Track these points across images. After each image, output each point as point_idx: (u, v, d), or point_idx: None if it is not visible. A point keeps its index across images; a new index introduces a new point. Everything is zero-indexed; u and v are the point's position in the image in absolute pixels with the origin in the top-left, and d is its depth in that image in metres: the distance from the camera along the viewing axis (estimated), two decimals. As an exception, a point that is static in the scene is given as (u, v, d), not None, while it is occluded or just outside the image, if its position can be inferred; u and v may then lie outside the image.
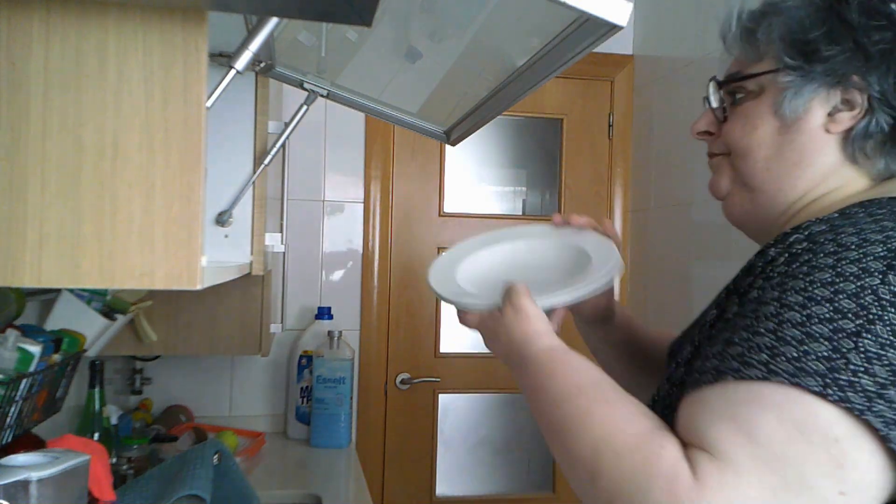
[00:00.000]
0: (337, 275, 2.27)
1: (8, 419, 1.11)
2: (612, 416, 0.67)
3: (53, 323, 1.39)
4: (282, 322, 2.10)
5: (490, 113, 1.02)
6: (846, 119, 0.74)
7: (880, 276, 0.60)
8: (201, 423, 2.00)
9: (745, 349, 0.62)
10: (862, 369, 0.58)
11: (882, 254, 0.62)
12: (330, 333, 2.04)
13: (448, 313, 2.38)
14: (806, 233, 0.68)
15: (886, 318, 0.59)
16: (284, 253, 2.17)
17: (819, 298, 0.61)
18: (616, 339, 1.05)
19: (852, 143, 0.74)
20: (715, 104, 0.84)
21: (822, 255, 0.63)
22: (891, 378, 0.58)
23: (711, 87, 0.83)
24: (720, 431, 0.61)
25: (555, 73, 0.81)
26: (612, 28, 0.59)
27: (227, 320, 1.65)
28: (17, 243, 0.49)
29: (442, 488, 2.36)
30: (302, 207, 2.24)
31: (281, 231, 2.09)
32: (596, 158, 2.46)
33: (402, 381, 2.33)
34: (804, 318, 0.61)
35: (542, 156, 2.54)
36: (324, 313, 2.14)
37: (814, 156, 0.76)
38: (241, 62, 0.75)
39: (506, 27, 0.87)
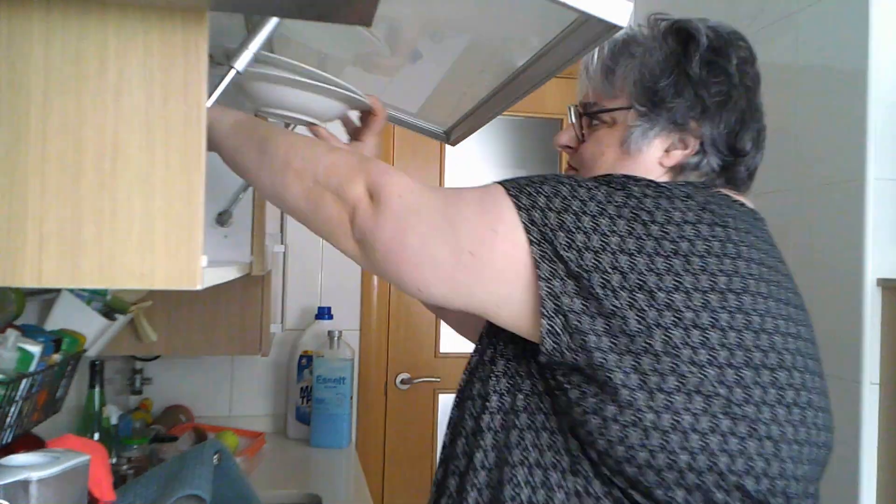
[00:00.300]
0: (337, 275, 2.27)
1: (8, 419, 1.11)
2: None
3: (53, 323, 1.39)
4: (282, 322, 2.10)
5: (490, 113, 1.02)
6: (679, 156, 0.83)
7: (600, 188, 0.72)
8: (201, 423, 2.00)
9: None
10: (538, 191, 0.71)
11: (604, 186, 0.72)
12: (330, 333, 2.04)
13: (448, 313, 2.37)
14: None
15: (594, 197, 0.70)
16: (284, 253, 2.17)
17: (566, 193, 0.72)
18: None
19: (679, 172, 0.84)
20: (573, 124, 0.92)
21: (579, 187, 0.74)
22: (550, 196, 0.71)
23: (570, 110, 0.92)
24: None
25: (555, 73, 0.81)
26: (612, 28, 0.59)
27: (227, 320, 1.65)
28: (17, 243, 0.49)
29: (442, 488, 2.36)
30: (302, 207, 2.23)
31: (281, 231, 2.10)
32: (596, 158, 2.46)
33: (402, 381, 2.33)
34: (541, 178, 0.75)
35: (542, 156, 2.54)
36: (324, 313, 2.14)
37: (637, 171, 0.85)
38: (241, 62, 0.75)
39: (506, 27, 0.87)
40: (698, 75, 0.81)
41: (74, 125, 0.50)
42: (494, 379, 0.80)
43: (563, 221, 0.69)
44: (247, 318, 1.66)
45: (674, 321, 0.65)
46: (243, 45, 0.75)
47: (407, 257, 0.74)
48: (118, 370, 2.04)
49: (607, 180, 0.72)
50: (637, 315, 0.65)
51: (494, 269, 0.71)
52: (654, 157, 0.84)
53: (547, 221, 0.69)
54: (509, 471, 0.75)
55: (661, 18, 0.86)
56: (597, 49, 0.87)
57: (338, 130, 1.09)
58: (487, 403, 0.79)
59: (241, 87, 0.90)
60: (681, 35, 0.83)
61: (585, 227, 0.68)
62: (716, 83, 0.81)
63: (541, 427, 0.75)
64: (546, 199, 0.70)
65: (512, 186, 0.73)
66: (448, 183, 2.38)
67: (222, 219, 1.21)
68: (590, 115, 0.88)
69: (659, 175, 0.84)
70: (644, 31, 0.86)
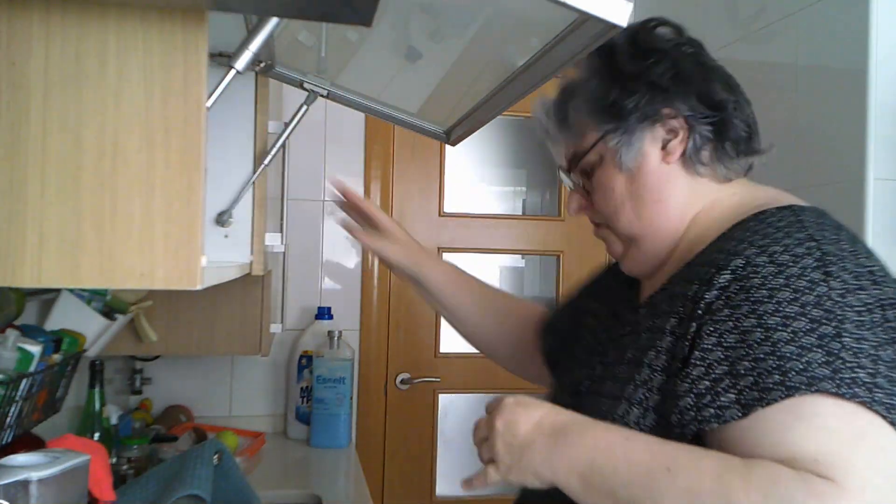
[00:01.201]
0: (337, 275, 2.27)
1: (8, 419, 1.11)
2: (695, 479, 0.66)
3: (53, 323, 1.39)
4: (282, 322, 2.10)
5: (490, 113, 1.02)
6: (677, 146, 0.84)
7: (825, 283, 0.68)
8: (201, 423, 2.00)
9: (756, 377, 0.67)
10: (855, 364, 0.64)
11: (815, 264, 0.70)
12: (330, 333, 2.04)
13: (448, 313, 2.37)
14: (737, 263, 0.73)
15: (848, 315, 0.67)
16: (284, 253, 2.17)
17: (794, 314, 0.67)
18: (438, 299, 1.20)
19: (691, 163, 0.84)
20: (573, 186, 0.92)
21: (770, 276, 0.70)
22: (874, 366, 0.64)
23: (562, 175, 0.93)
24: (791, 447, 0.64)
25: (555, 73, 0.81)
26: (612, 28, 0.59)
27: (227, 320, 1.65)
28: (17, 243, 0.49)
29: (442, 488, 2.36)
30: (302, 207, 2.24)
31: (281, 231, 2.09)
32: (596, 158, 2.46)
33: (402, 381, 2.33)
34: (791, 335, 0.66)
35: (542, 156, 2.53)
36: (324, 313, 2.14)
37: (667, 188, 0.85)
38: (241, 62, 0.75)
39: (506, 27, 0.87)
40: (633, 68, 0.83)
41: (74, 125, 0.50)
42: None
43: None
44: (247, 318, 1.66)
45: None
46: (243, 45, 0.75)
47: None
48: (118, 370, 2.04)
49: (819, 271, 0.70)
50: None
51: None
52: (655, 160, 0.84)
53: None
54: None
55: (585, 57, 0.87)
56: (542, 118, 0.91)
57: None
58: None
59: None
60: (599, 52, 0.83)
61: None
62: (655, 63, 0.83)
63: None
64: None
65: (829, 387, 0.64)
66: (448, 183, 2.38)
67: (222, 219, 1.21)
68: (577, 164, 0.89)
69: (675, 176, 0.84)
70: (570, 73, 0.89)
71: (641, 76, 0.82)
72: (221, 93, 0.76)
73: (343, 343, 2.04)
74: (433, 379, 2.35)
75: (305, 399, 2.09)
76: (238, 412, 2.15)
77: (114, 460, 1.48)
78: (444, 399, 2.38)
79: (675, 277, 0.82)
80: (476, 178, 2.48)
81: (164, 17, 0.51)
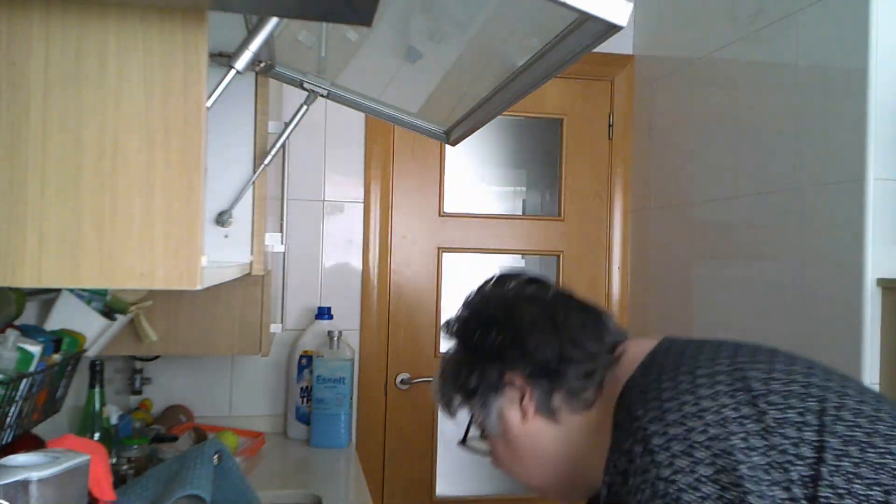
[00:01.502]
0: (337, 275, 2.27)
1: (8, 419, 1.11)
2: None
3: (53, 323, 1.39)
4: (282, 322, 2.10)
5: (490, 113, 1.02)
6: (528, 404, 0.87)
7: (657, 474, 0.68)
8: (201, 423, 2.00)
9: None
10: None
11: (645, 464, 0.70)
12: (330, 333, 2.04)
13: (448, 313, 2.37)
14: (620, 454, 0.74)
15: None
16: (284, 253, 2.17)
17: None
18: None
19: (547, 412, 0.86)
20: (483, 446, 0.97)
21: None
22: None
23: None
24: None
25: (555, 73, 0.81)
26: (612, 28, 0.59)
27: (227, 320, 1.65)
28: (17, 243, 0.49)
29: (442, 488, 2.36)
30: (302, 207, 2.24)
31: (281, 231, 2.09)
32: (596, 158, 2.46)
33: (402, 381, 2.33)
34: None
35: (542, 156, 2.54)
36: (324, 313, 2.14)
37: (539, 443, 0.88)
38: (241, 62, 0.75)
39: (506, 27, 0.87)
40: (477, 339, 0.89)
41: (74, 125, 0.50)
42: None
43: None
44: (247, 318, 1.66)
45: None
46: (243, 45, 0.75)
47: None
48: (118, 370, 2.04)
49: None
50: None
51: None
52: (517, 424, 0.88)
53: None
54: None
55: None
56: (434, 393, 0.97)
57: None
58: None
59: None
60: (460, 330, 0.94)
61: None
62: (482, 335, 0.88)
63: None
64: None
65: None
66: (448, 182, 2.38)
67: (222, 219, 1.21)
68: (472, 433, 0.95)
69: (540, 430, 0.87)
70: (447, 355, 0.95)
71: (480, 348, 0.88)
72: (221, 93, 0.76)
73: (343, 343, 2.05)
74: (433, 379, 2.35)
75: (305, 399, 2.09)
76: (238, 412, 2.15)
77: (114, 460, 1.48)
78: (444, 399, 2.38)
79: None
80: (476, 178, 2.48)
81: (164, 17, 0.51)
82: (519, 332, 0.87)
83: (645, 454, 0.69)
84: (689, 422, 0.68)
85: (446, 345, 0.98)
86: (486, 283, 0.98)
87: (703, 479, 0.65)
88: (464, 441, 0.97)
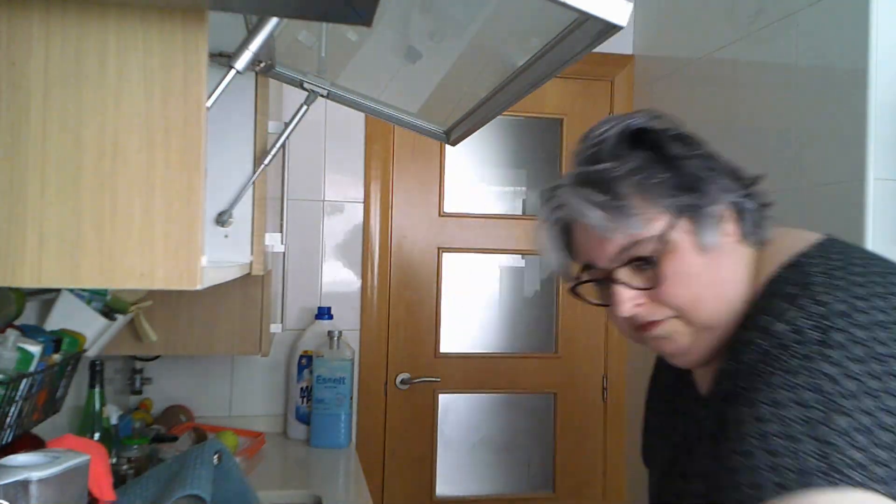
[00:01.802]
0: (337, 275, 2.27)
1: (8, 419, 1.11)
2: None
3: (53, 323, 1.39)
4: (282, 322, 2.10)
5: (490, 113, 1.02)
6: (731, 224, 0.80)
7: (823, 359, 0.66)
8: (201, 423, 2.00)
9: (752, 476, 0.66)
10: (848, 445, 0.63)
11: (817, 338, 0.67)
12: (330, 333, 2.04)
13: (448, 313, 2.38)
14: (751, 346, 0.72)
15: (846, 388, 0.64)
16: (284, 253, 2.17)
17: (785, 402, 0.66)
18: None
19: (746, 237, 0.81)
20: (628, 281, 0.81)
21: (770, 360, 0.69)
22: (868, 439, 0.63)
23: (621, 274, 0.81)
24: None
25: (555, 73, 0.81)
26: (612, 28, 0.59)
27: (227, 320, 1.65)
28: (17, 243, 0.49)
29: (442, 488, 2.36)
30: (302, 207, 2.24)
31: (281, 231, 2.09)
32: (596, 158, 2.46)
33: (402, 381, 2.33)
34: (783, 427, 0.66)
35: (542, 156, 2.54)
36: (324, 313, 2.14)
37: (736, 263, 0.80)
38: (241, 62, 0.75)
39: (506, 27, 0.87)
40: (680, 151, 0.80)
41: (74, 125, 0.50)
42: None
43: None
44: (247, 318, 1.66)
45: None
46: (243, 45, 0.75)
47: None
48: (118, 370, 2.04)
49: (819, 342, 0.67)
50: None
51: None
52: (729, 240, 0.80)
53: None
54: None
55: (594, 143, 0.82)
56: (587, 213, 0.80)
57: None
58: None
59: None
60: (637, 137, 0.81)
61: None
62: (690, 148, 0.81)
63: None
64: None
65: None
66: (448, 182, 2.38)
67: (222, 219, 1.21)
68: (634, 256, 0.79)
69: (740, 254, 0.80)
70: (608, 162, 0.81)
71: (686, 160, 0.80)
72: (221, 93, 0.76)
73: (343, 343, 2.05)
74: (433, 379, 2.35)
75: (305, 399, 2.09)
76: (238, 412, 2.15)
77: (114, 460, 1.48)
78: (444, 399, 2.38)
79: (723, 369, 0.79)
80: (476, 178, 2.48)
81: (164, 17, 0.51)
82: (713, 156, 0.82)
83: (819, 343, 0.67)
84: (876, 331, 0.66)
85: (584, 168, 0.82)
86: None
87: (869, 392, 0.64)
88: (618, 265, 0.80)
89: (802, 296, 0.71)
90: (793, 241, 0.81)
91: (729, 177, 0.81)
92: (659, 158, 0.80)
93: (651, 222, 0.78)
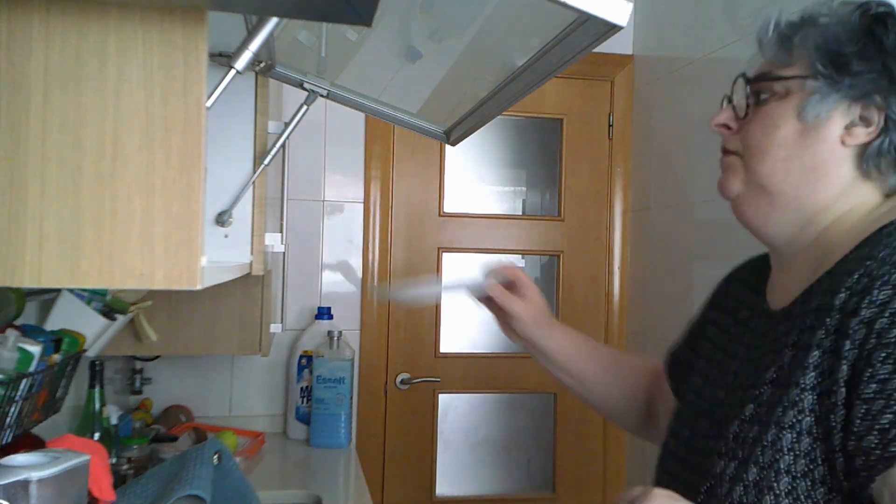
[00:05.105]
0: (337, 274, 2.27)
1: (8, 419, 1.11)
2: None
3: (53, 323, 1.39)
4: (282, 322, 2.10)
5: (490, 113, 1.02)
6: (862, 134, 0.77)
7: None
8: (201, 423, 2.00)
9: None
10: None
11: None
12: (330, 333, 2.04)
13: (448, 313, 2.38)
14: None
15: None
16: (284, 253, 2.17)
17: None
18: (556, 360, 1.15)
19: (867, 160, 0.78)
20: (740, 100, 0.85)
21: None
22: None
23: (740, 83, 0.85)
24: None
25: (555, 73, 0.81)
26: (612, 28, 0.59)
27: (227, 320, 1.65)
28: (17, 243, 0.49)
29: (442, 488, 2.36)
30: (302, 207, 2.24)
31: (281, 231, 2.09)
32: (596, 158, 2.46)
33: (402, 381, 2.33)
34: None
35: (542, 156, 2.54)
36: (324, 313, 2.14)
37: (830, 166, 0.79)
38: (241, 62, 0.75)
39: (506, 27, 0.87)
40: (892, 45, 0.76)
41: (74, 125, 0.50)
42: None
43: None
44: (247, 318, 1.66)
45: None
46: (243, 45, 0.75)
47: None
48: (118, 370, 2.04)
49: None
50: None
51: None
52: (835, 132, 0.78)
53: None
54: None
55: (847, 2, 0.81)
56: (773, 20, 0.83)
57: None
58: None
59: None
60: (874, 10, 0.79)
61: None
62: (887, 43, 0.77)
63: None
64: None
65: None
66: (448, 182, 2.38)
67: (222, 219, 1.21)
68: (764, 80, 0.82)
69: (842, 159, 0.79)
70: (828, 10, 0.81)
71: (888, 55, 0.77)
72: (221, 93, 0.76)
73: (343, 343, 2.05)
74: (433, 379, 2.35)
75: (305, 399, 2.09)
76: (238, 412, 2.15)
77: (114, 460, 1.48)
78: (444, 399, 2.38)
79: (815, 286, 0.77)
80: (476, 178, 2.48)
81: (164, 17, 0.51)
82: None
83: None
84: None
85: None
86: None
87: None
88: (749, 82, 0.84)
89: None
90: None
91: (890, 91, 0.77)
92: (857, 30, 0.78)
93: (790, 66, 0.80)
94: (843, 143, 0.78)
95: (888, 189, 0.80)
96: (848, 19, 0.79)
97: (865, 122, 0.77)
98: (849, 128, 0.78)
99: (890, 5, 0.79)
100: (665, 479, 0.89)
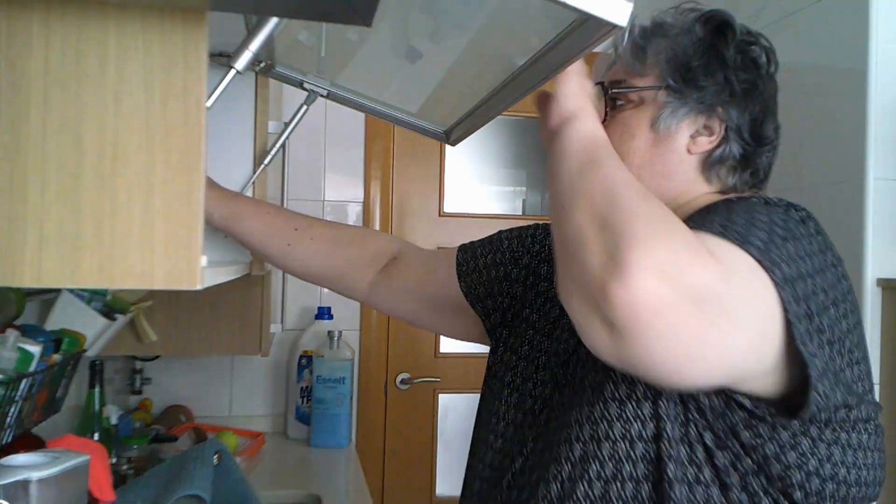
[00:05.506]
0: (337, 275, 2.26)
1: (8, 419, 1.11)
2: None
3: (53, 323, 1.39)
4: (282, 322, 2.10)
5: (490, 113, 1.02)
6: (704, 143, 0.85)
7: (783, 210, 0.75)
8: (201, 423, 2.00)
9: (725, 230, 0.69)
10: (784, 260, 0.68)
11: (781, 211, 0.76)
12: (330, 333, 2.04)
13: (448, 313, 2.38)
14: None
15: (799, 233, 0.72)
16: (284, 253, 2.16)
17: (759, 221, 0.71)
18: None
19: (709, 167, 0.86)
20: (598, 105, 0.88)
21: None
22: (794, 273, 0.68)
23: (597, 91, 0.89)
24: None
25: (555, 73, 0.81)
26: (612, 28, 0.59)
27: (227, 320, 1.65)
28: (17, 243, 0.49)
29: (442, 488, 2.36)
30: (302, 207, 2.23)
31: (281, 231, 2.09)
32: (596, 158, 2.46)
33: (402, 381, 2.33)
34: (749, 223, 0.70)
35: (542, 156, 2.53)
36: (324, 313, 2.14)
37: (677, 171, 0.86)
38: (241, 62, 0.75)
39: (506, 27, 0.87)
40: (732, 59, 0.83)
41: (74, 125, 0.50)
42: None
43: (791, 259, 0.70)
44: (247, 318, 1.65)
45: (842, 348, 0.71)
46: (243, 45, 0.75)
47: None
48: (118, 370, 2.04)
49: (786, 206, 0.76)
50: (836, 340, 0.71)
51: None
52: (682, 141, 0.85)
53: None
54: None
55: (691, 9, 0.87)
56: (627, 29, 0.87)
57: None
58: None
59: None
60: (714, 22, 0.85)
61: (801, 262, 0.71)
62: (745, 70, 0.85)
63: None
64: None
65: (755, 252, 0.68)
66: (448, 182, 2.38)
67: (222, 219, 1.21)
68: (617, 92, 0.87)
69: (688, 166, 0.85)
70: (675, 17, 0.87)
71: (729, 69, 0.84)
72: (221, 93, 0.76)
73: (343, 343, 2.04)
74: (433, 379, 2.35)
75: (305, 399, 2.09)
76: (238, 412, 2.15)
77: (114, 460, 1.48)
78: (444, 399, 2.38)
79: None
80: (476, 178, 2.48)
81: (164, 17, 0.51)
82: (765, 100, 0.88)
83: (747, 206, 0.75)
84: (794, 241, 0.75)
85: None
86: None
87: (777, 235, 0.72)
88: (620, 91, 0.88)
89: (746, 207, 0.76)
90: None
91: (741, 113, 0.84)
92: (707, 43, 0.85)
93: (644, 76, 0.86)
94: (689, 151, 0.85)
95: (725, 189, 0.88)
96: (692, 29, 0.85)
97: (708, 131, 0.84)
98: (694, 137, 0.85)
99: (726, 14, 0.87)
100: (503, 426, 0.99)
